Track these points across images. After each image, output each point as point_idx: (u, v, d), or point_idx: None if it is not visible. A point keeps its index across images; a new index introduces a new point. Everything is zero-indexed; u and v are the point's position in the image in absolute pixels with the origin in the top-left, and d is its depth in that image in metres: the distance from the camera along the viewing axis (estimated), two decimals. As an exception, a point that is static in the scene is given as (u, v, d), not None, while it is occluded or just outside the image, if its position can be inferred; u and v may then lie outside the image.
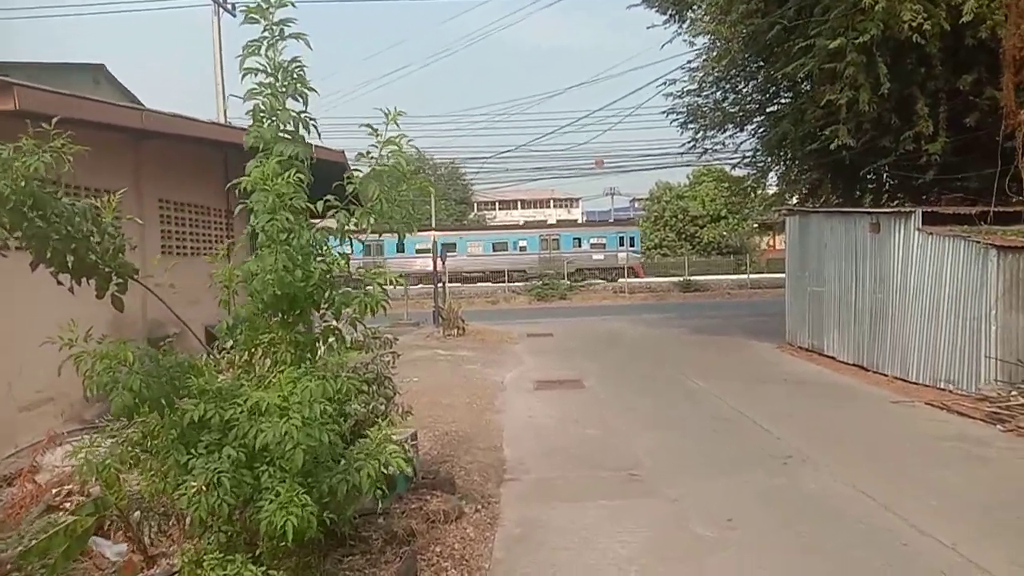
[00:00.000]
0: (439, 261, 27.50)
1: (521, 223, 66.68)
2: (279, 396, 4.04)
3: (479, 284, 45.43)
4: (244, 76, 4.60)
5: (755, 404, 11.27)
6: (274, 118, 4.58)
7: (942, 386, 12.61)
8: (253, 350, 4.94)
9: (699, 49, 20.73)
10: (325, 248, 4.58)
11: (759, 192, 23.62)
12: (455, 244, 46.99)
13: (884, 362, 14.33)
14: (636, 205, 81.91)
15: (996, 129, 15.80)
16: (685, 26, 20.82)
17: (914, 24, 12.67)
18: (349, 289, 4.65)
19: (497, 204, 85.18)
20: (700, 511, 6.46)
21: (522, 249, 47.73)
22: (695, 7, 19.71)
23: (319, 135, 4.74)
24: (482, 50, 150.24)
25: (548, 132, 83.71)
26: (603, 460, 8.25)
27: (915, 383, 13.13)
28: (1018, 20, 11.31)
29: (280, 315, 4.76)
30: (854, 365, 15.34)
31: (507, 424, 10.20)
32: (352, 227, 4.68)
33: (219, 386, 4.36)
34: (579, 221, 75.38)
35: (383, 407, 5.46)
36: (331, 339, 5.22)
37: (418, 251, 45.03)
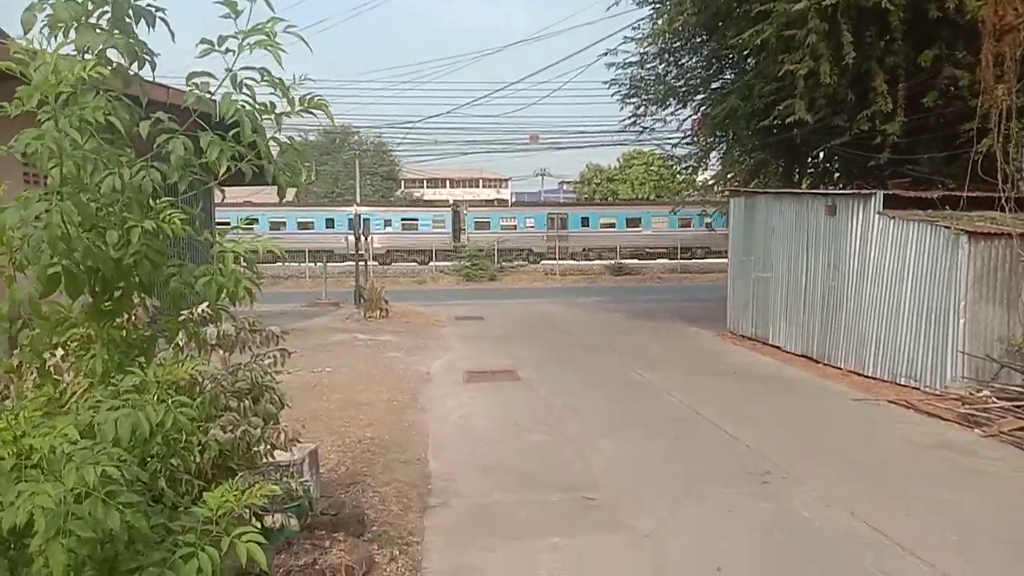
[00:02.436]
0: (363, 236, 25.73)
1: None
2: (60, 437, 2.40)
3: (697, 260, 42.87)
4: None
5: (711, 402, 10.07)
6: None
7: (903, 382, 11.71)
8: (50, 353, 3.29)
9: (645, 18, 19.51)
10: (156, 200, 2.95)
11: (701, 172, 22.65)
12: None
13: (837, 354, 13.40)
14: (565, 187, 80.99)
15: (952, 110, 15.11)
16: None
17: (888, -15, 11.56)
18: (194, 264, 3.04)
19: (425, 182, 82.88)
20: (680, 555, 5.10)
21: None
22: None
23: (172, 33, 3.07)
24: (407, 19, 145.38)
25: (478, 98, 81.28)
26: (551, 477, 6.81)
27: (872, 378, 12.22)
28: (999, -14, 10.33)
29: (92, 300, 3.13)
30: (803, 356, 14.40)
31: (434, 427, 8.67)
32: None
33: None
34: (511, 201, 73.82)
35: (258, 431, 3.86)
36: (179, 337, 3.62)
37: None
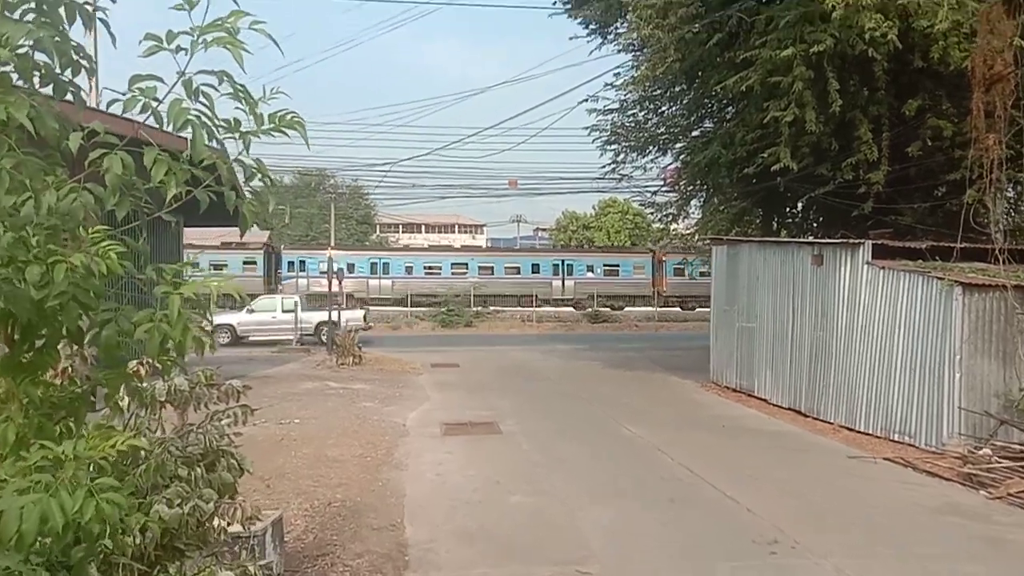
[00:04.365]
0: (335, 280, 25.09)
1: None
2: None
3: None
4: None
5: (704, 459, 9.54)
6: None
7: (896, 438, 11.29)
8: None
9: (625, 64, 19.53)
10: (88, 229, 2.42)
11: (681, 221, 22.52)
12: None
13: (827, 408, 12.97)
14: (540, 234, 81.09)
15: (935, 161, 15.08)
16: (610, 39, 19.59)
17: (876, 33, 11.44)
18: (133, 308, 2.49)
19: (401, 227, 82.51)
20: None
21: None
22: (623, 19, 18.48)
23: (113, 38, 2.58)
24: (383, 59, 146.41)
25: (455, 141, 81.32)
26: (540, 546, 6.19)
27: (864, 433, 11.79)
28: (988, 36, 10.24)
29: (8, 350, 2.57)
30: (790, 409, 13.96)
31: (410, 487, 8.01)
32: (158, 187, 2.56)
33: None
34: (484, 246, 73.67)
35: (211, 505, 3.26)
36: (120, 395, 3.03)
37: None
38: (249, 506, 3.28)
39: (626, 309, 43.30)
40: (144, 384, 3.65)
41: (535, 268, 44.12)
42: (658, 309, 42.24)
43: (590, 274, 43.69)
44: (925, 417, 10.93)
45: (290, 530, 6.08)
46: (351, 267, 41.63)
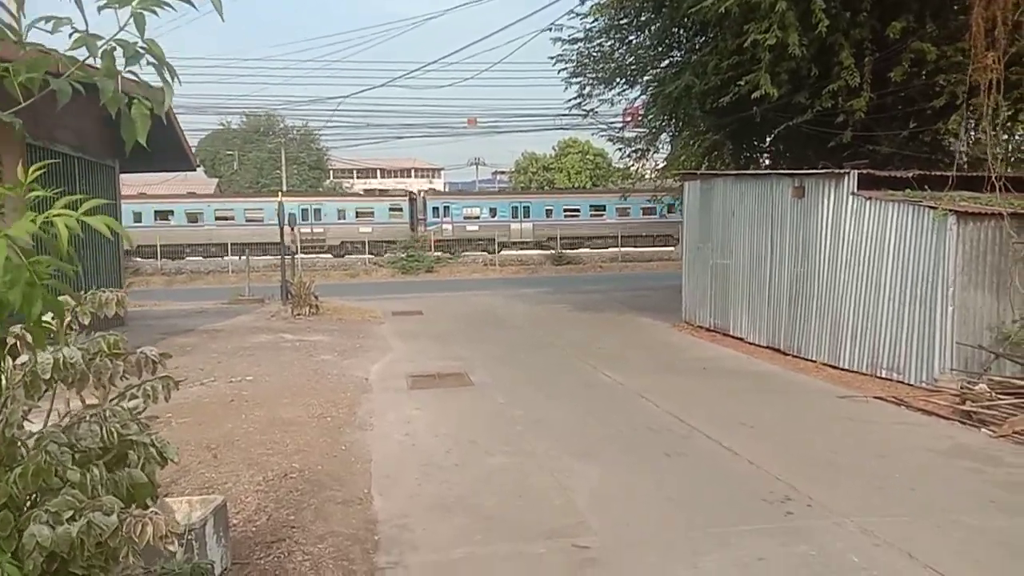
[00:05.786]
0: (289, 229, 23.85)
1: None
2: None
3: None
4: None
5: (691, 406, 8.93)
6: None
7: (884, 375, 10.88)
8: None
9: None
10: None
11: (650, 156, 21.67)
12: None
13: (809, 346, 12.50)
14: (500, 177, 79.67)
15: (916, 87, 14.44)
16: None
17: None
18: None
19: (356, 172, 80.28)
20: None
21: None
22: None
23: None
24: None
25: (410, 72, 78.67)
26: (529, 517, 5.47)
27: (849, 371, 11.37)
28: (990, -58, 9.44)
29: None
30: (768, 348, 13.51)
31: (376, 450, 7.21)
32: None
33: None
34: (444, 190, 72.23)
35: (113, 518, 2.41)
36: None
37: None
38: (163, 521, 2.44)
39: None
40: (24, 358, 2.78)
41: (669, 208, 45.07)
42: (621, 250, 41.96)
43: None
44: (915, 352, 10.49)
45: (240, 510, 5.27)
46: (493, 211, 43.53)
